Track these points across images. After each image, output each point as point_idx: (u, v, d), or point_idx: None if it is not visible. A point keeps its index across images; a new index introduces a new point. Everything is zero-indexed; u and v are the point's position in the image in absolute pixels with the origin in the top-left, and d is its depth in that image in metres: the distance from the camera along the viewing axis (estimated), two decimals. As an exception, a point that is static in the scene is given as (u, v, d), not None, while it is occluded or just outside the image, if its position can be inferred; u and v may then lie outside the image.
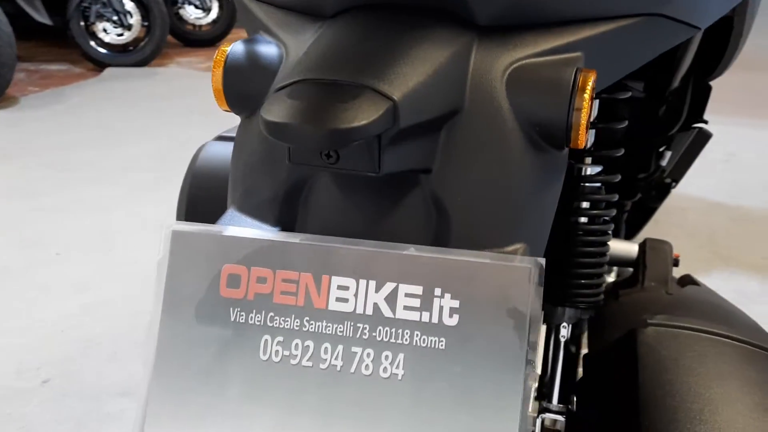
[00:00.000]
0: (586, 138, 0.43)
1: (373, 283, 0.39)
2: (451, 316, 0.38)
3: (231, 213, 0.47)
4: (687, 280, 0.91)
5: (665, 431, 0.49)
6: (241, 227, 0.44)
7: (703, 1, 0.51)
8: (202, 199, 0.71)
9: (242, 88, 0.48)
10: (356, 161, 0.38)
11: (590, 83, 0.42)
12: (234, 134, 0.75)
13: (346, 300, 0.39)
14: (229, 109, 0.49)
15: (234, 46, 0.48)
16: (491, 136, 0.42)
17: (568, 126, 0.42)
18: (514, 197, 0.42)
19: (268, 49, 0.47)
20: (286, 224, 0.45)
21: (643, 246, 0.95)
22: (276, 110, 0.36)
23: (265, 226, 0.45)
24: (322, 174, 0.44)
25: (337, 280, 0.39)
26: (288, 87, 0.38)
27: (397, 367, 0.38)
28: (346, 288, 0.39)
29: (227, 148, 0.72)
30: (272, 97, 0.38)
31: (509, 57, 0.43)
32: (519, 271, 0.37)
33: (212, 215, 0.71)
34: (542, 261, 0.37)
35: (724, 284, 1.84)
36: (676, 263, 0.95)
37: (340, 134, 0.35)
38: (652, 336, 0.57)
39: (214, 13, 4.98)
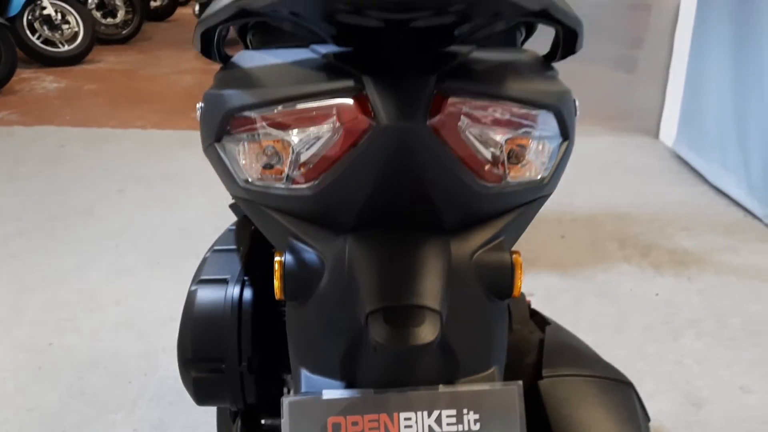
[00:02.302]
0: (520, 290, 0.71)
1: (426, 413, 0.64)
2: (475, 424, 0.64)
3: (306, 375, 0.69)
4: (538, 318, 1.24)
5: None
6: (333, 390, 0.66)
7: (558, 179, 0.82)
8: (204, 342, 0.89)
9: (296, 287, 0.69)
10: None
11: (520, 261, 0.71)
12: (216, 276, 0.94)
13: (411, 426, 0.64)
14: (283, 298, 0.70)
15: (286, 257, 0.70)
16: (471, 301, 0.69)
17: (512, 287, 0.70)
18: (489, 337, 0.70)
19: (308, 257, 0.69)
20: (353, 377, 0.68)
21: None
22: (386, 335, 0.59)
23: (338, 383, 0.67)
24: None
25: (403, 415, 0.64)
26: (380, 312, 0.61)
27: (449, 461, 0.64)
28: (410, 419, 0.64)
29: (217, 292, 0.91)
30: (377, 322, 0.60)
31: (468, 249, 0.70)
32: (511, 391, 0.64)
33: (215, 357, 0.89)
34: (520, 383, 0.64)
35: (533, 283, 2.30)
36: (528, 306, 1.29)
37: (424, 347, 0.60)
38: (550, 386, 0.87)
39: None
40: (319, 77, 0.67)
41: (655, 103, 3.87)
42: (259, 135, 0.70)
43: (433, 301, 0.62)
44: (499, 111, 0.69)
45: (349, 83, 0.64)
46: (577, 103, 0.79)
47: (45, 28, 5.51)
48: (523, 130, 0.71)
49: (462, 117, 0.66)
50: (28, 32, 5.41)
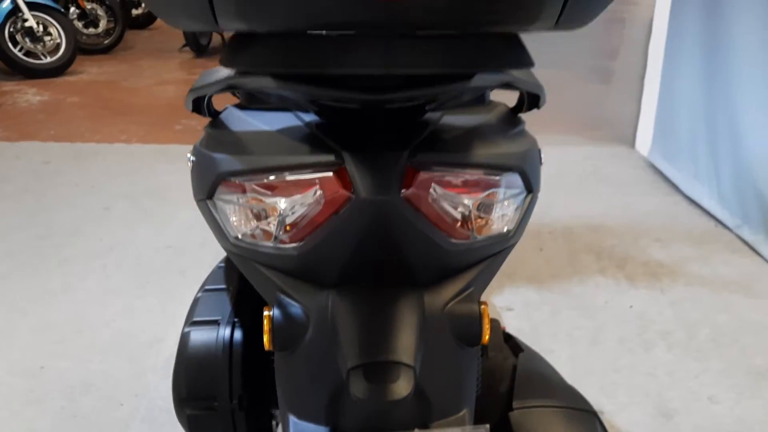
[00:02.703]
0: (488, 337, 0.78)
1: (403, 455, 0.71)
2: (449, 465, 0.71)
3: (294, 421, 0.75)
4: (512, 344, 1.31)
5: None
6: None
7: (524, 229, 0.89)
8: (197, 382, 0.96)
9: (283, 338, 0.76)
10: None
11: (487, 311, 0.77)
12: (207, 318, 1.00)
13: (390, 467, 0.70)
14: (272, 348, 0.77)
15: (274, 311, 0.76)
16: (443, 350, 0.76)
17: (481, 335, 0.77)
18: (460, 382, 0.77)
19: (295, 311, 0.76)
20: (336, 423, 0.74)
21: None
22: (365, 391, 0.66)
23: (323, 428, 0.74)
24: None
25: (383, 457, 0.70)
26: (360, 368, 0.67)
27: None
28: (389, 461, 0.70)
29: (209, 334, 0.98)
30: (356, 378, 0.67)
31: (440, 301, 0.77)
32: (480, 434, 0.71)
33: (208, 396, 0.96)
34: (488, 426, 0.71)
35: (512, 296, 2.38)
36: (503, 331, 1.36)
37: (400, 401, 0.66)
38: (520, 417, 0.94)
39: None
40: (303, 149, 0.74)
41: (631, 112, 3.97)
42: (248, 198, 0.76)
43: (407, 357, 0.69)
44: (467, 175, 0.76)
45: (330, 158, 0.71)
46: (541, 152, 0.86)
47: (27, 40, 5.52)
48: (490, 190, 0.78)
49: (433, 185, 0.73)
50: (9, 44, 5.42)
